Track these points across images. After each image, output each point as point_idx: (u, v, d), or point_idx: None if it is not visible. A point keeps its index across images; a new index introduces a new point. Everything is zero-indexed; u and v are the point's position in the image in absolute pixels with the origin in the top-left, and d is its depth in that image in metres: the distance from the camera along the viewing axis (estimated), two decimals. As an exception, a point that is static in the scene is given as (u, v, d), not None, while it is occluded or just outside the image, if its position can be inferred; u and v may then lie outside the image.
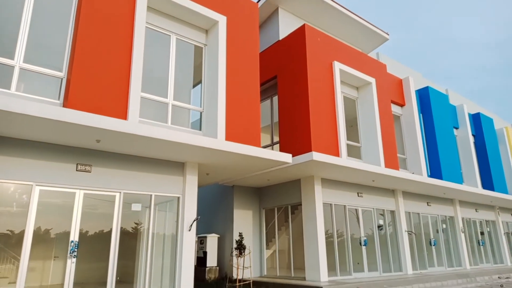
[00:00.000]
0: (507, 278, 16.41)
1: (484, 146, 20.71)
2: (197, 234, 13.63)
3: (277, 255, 13.63)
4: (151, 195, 9.03)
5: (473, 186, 18.15)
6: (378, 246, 14.01)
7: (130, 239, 9.07)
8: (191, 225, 9.21)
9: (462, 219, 18.66)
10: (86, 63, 7.69)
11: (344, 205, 13.30)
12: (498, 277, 16.32)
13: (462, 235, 18.04)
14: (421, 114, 17.21)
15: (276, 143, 13.25)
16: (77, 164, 8.06)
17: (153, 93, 9.11)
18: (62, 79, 7.82)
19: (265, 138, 14.48)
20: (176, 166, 9.55)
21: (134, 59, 8.32)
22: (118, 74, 8.08)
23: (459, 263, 17.57)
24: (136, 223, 9.30)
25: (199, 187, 12.17)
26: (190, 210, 9.37)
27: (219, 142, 8.70)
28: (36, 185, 7.57)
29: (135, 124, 7.59)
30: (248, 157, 9.22)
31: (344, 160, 11.60)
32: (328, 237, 12.49)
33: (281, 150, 12.22)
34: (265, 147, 13.25)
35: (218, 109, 9.43)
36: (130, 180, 8.73)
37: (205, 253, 13.21)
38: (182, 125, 9.52)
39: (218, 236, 13.74)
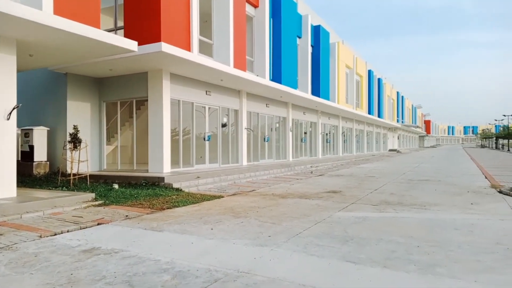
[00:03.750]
0: (316, 167, 20.43)
1: (318, 57, 23.37)
2: (20, 126, 11.80)
3: (119, 150, 13.19)
4: None
5: (304, 92, 20.73)
6: (220, 141, 15.06)
7: None
8: (10, 114, 7.77)
9: (292, 120, 21.53)
10: None
11: (192, 102, 13.40)
12: (310, 166, 20.14)
13: (290, 133, 21.02)
14: (271, 19, 17.78)
15: (121, 28, 11.79)
16: None
17: None
18: None
19: (108, 21, 12.70)
20: (-17, 40, 7.51)
21: None
22: None
23: (285, 156, 20.75)
24: None
25: (21, 70, 10.13)
26: (7, 96, 7.78)
27: (44, 15, 7.08)
28: None
29: None
30: (83, 39, 7.90)
31: (195, 55, 11.30)
32: (174, 134, 12.63)
33: (126, 36, 10.95)
34: (108, 31, 11.64)
35: (41, -29, 7.46)
36: None
37: (31, 147, 11.68)
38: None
39: (48, 129, 12.20)
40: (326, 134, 27.65)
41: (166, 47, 9.70)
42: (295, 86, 19.48)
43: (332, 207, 7.90)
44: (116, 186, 10.25)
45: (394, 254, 4.61)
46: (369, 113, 36.94)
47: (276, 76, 17.96)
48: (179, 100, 12.71)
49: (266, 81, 15.61)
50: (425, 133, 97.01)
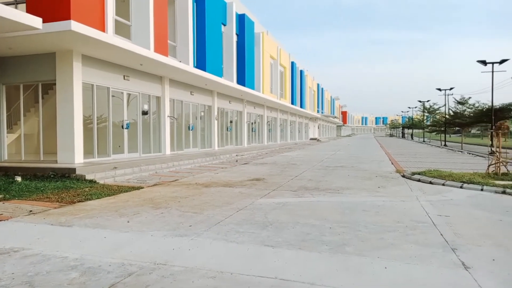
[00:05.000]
0: (241, 155, 20.66)
1: (243, 46, 23.44)
2: None
3: (22, 139, 11.81)
4: None
5: (230, 80, 20.69)
6: (141, 130, 14.35)
7: None
8: None
9: (218, 108, 21.39)
10: None
11: (108, 87, 12.49)
12: (236, 155, 20.29)
13: (216, 122, 20.89)
14: (195, 3, 17.30)
15: (22, 2, 10.45)
16: None
17: None
18: None
19: (6, -7, 11.19)
20: None
21: None
22: None
23: (210, 145, 20.59)
24: None
25: None
26: None
27: None
28: None
29: None
30: (-28, 10, 6.84)
31: (110, 37, 10.50)
32: (88, 122, 11.68)
33: (29, 12, 9.75)
34: (5, 5, 10.24)
35: None
36: None
37: None
38: None
39: None
40: (252, 123, 28.06)
41: (76, 26, 8.84)
42: (220, 74, 19.32)
43: (255, 194, 8.04)
44: (18, 178, 9.19)
45: (308, 236, 4.84)
46: (292, 103, 38.35)
47: (200, 63, 17.60)
48: (92, 85, 11.75)
49: (189, 67, 15.19)
50: (342, 123, 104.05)
